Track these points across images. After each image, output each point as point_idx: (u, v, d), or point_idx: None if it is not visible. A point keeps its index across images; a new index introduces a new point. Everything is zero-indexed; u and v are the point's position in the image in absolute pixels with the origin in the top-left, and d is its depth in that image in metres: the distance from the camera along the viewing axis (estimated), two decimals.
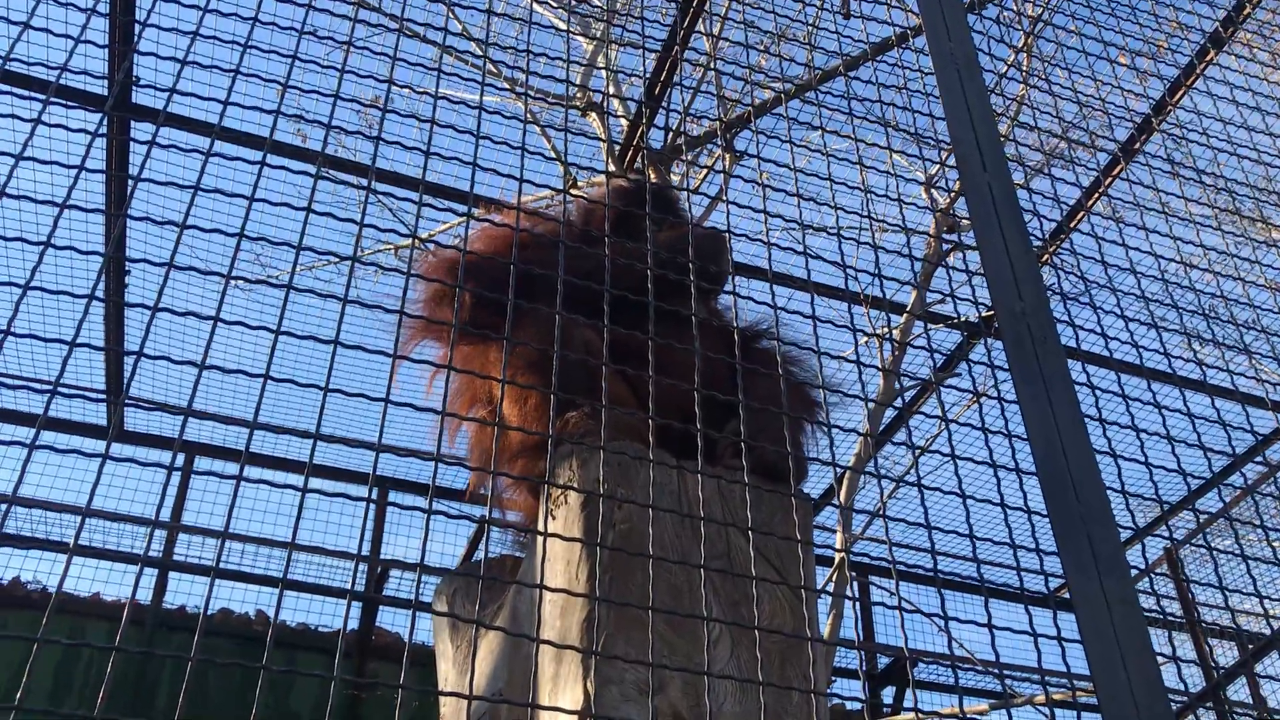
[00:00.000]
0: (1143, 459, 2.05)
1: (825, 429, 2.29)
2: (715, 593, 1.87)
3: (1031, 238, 2.29)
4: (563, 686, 1.77)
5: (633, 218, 2.26)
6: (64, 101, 1.94)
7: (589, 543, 1.75)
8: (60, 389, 1.47)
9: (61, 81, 1.62)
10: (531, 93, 5.23)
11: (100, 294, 5.71)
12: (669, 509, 1.88)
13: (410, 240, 1.61)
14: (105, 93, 5.09)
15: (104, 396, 6.31)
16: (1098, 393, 2.12)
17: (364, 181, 5.83)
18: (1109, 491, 1.91)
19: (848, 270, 2.14)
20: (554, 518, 1.97)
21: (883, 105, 2.65)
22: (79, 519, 1.32)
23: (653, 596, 1.83)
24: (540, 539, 1.87)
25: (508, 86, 5.05)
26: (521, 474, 2.13)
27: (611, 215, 2.04)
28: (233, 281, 1.54)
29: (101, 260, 1.53)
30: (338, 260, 1.59)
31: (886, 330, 5.12)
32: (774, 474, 2.02)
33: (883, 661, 8.10)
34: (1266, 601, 2.25)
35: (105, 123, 5.13)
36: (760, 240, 2.09)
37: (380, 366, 6.02)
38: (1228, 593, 2.19)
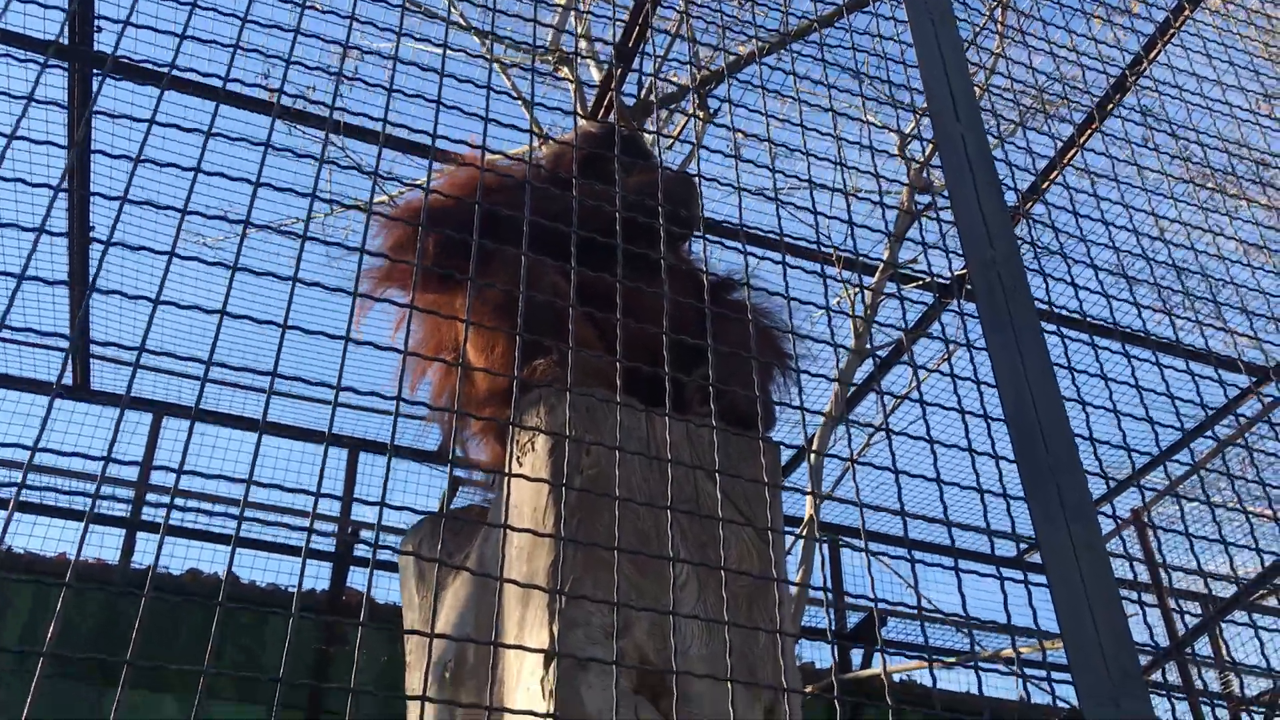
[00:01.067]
0: (1111, 406, 2.05)
1: (795, 376, 2.28)
2: (683, 536, 1.86)
3: (1004, 185, 2.28)
4: (529, 630, 1.76)
5: (601, 161, 2.22)
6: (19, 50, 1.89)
7: (555, 484, 1.73)
8: (20, 339, 1.43)
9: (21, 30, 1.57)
10: (500, 43, 5.16)
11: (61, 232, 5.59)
12: (638, 452, 1.86)
13: (372, 182, 1.57)
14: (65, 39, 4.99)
15: (65, 347, 6.24)
16: (1067, 342, 2.11)
17: (325, 131, 5.76)
18: (1078, 439, 1.91)
19: (818, 215, 2.12)
20: (520, 464, 1.95)
21: (856, 56, 2.63)
22: (27, 475, 1.29)
23: (620, 540, 1.82)
24: (506, 483, 1.85)
25: (476, 36, 4.98)
26: (487, 422, 2.11)
27: (580, 158, 2.00)
28: (189, 219, 1.50)
29: (52, 194, 1.48)
30: (299, 194, 1.55)
31: (859, 288, 5.11)
32: (742, 420, 2.01)
33: (852, 621, 8.16)
34: (1234, 560, 2.26)
35: (68, 68, 5.03)
36: (731, 186, 2.06)
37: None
38: (1196, 547, 2.20)
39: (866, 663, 7.70)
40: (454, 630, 2.02)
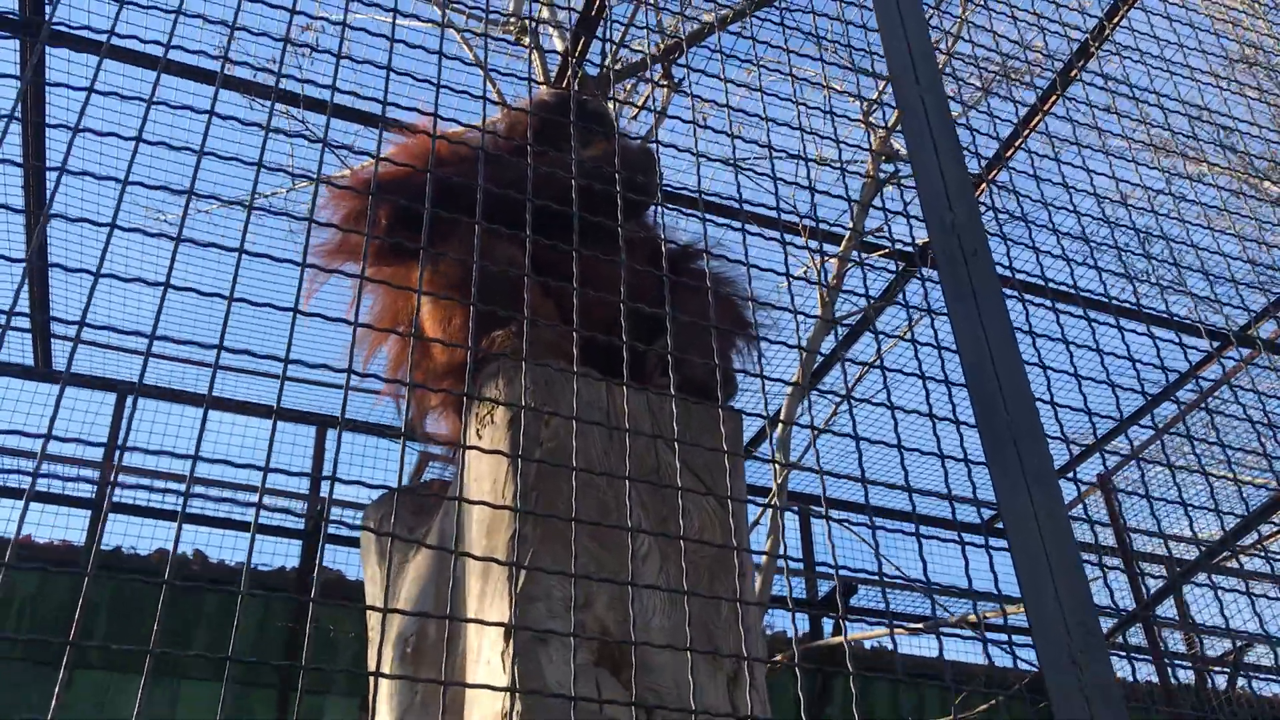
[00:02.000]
0: (1071, 369, 2.05)
1: (757, 346, 2.26)
2: (644, 509, 1.85)
3: (969, 152, 2.27)
4: (489, 604, 1.74)
5: (559, 130, 2.19)
6: None
7: (513, 456, 1.71)
8: None
9: None
10: (457, 11, 5.09)
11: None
12: (598, 422, 1.84)
13: (320, 151, 1.53)
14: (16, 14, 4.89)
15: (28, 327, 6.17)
16: (1030, 307, 2.11)
17: (271, 100, 5.67)
18: (1040, 405, 1.90)
19: (778, 182, 2.10)
20: (480, 437, 1.93)
21: (817, 23, 2.60)
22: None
23: (580, 513, 1.80)
24: (464, 457, 1.83)
25: (434, 5, 4.90)
26: (446, 396, 2.08)
27: (536, 126, 1.97)
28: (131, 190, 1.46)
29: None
30: (244, 163, 1.52)
31: (823, 257, 5.10)
32: (702, 390, 1.99)
33: (824, 590, 8.21)
34: (1194, 523, 2.26)
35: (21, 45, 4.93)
36: (694, 156, 2.03)
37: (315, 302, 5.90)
38: (1160, 511, 2.21)
39: (838, 631, 7.75)
40: (415, 603, 2.00)
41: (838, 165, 2.22)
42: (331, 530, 7.23)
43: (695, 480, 1.92)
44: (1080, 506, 7.75)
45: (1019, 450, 1.83)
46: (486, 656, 1.67)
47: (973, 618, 5.49)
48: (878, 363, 1.91)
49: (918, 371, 1.88)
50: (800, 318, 1.90)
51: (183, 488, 6.68)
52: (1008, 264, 2.17)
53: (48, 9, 4.92)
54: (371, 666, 2.06)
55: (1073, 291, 2.30)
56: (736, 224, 2.02)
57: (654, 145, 2.33)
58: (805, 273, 5.51)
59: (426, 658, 1.90)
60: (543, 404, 1.89)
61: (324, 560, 7.38)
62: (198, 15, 1.66)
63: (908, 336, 2.09)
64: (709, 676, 1.71)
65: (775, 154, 2.37)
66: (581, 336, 1.78)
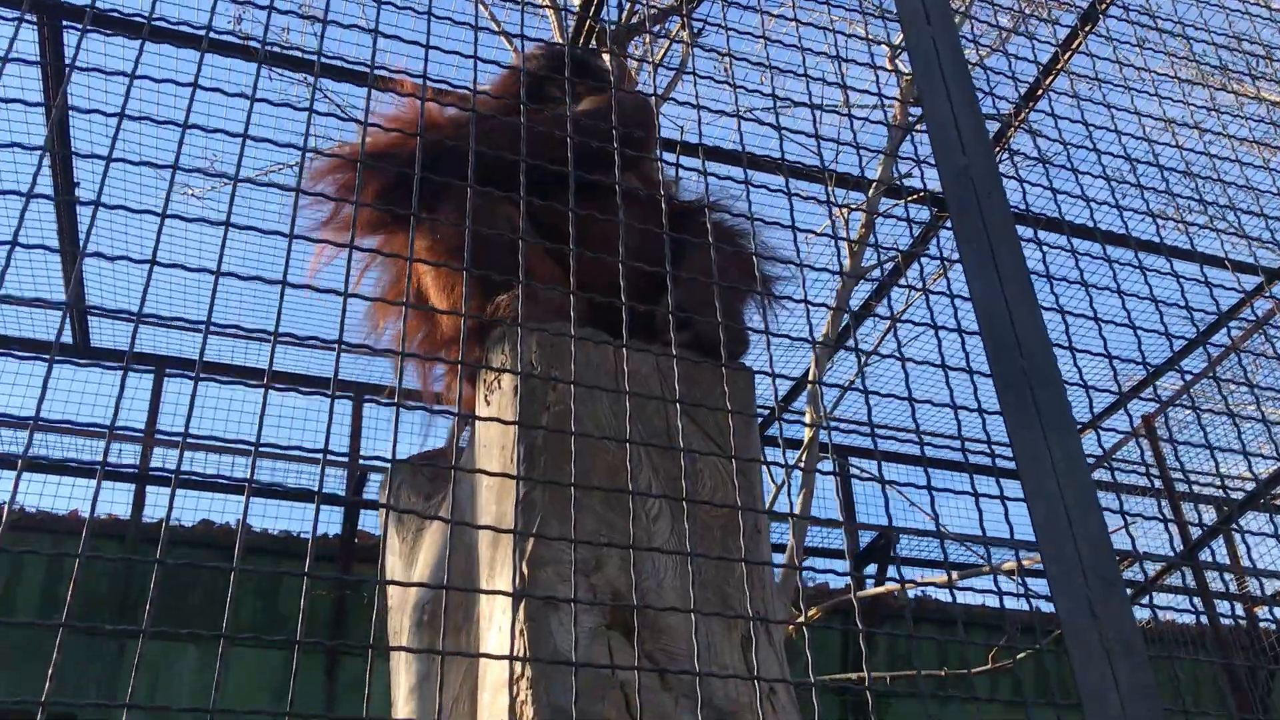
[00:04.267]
0: (1092, 314, 1.99)
1: (771, 301, 2.23)
2: (654, 470, 1.83)
3: (994, 96, 2.21)
4: (499, 570, 1.74)
5: (549, 85, 2.15)
6: None
7: (516, 423, 1.69)
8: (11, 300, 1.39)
9: None
10: None
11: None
12: (604, 387, 1.82)
13: (306, 120, 1.51)
14: None
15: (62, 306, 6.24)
16: (1046, 249, 2.06)
17: (307, 75, 5.66)
18: (1056, 349, 1.85)
19: (800, 134, 2.06)
20: (488, 403, 1.91)
21: None
22: (33, 434, 1.26)
23: (591, 475, 1.79)
24: (477, 426, 1.81)
25: None
26: (458, 356, 2.07)
27: (528, 84, 1.93)
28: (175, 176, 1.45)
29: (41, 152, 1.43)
30: (276, 144, 1.50)
31: (849, 208, 5.02)
32: (712, 347, 1.96)
33: (865, 540, 8.18)
34: (1249, 458, 2.21)
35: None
36: (716, 110, 1.99)
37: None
38: (1205, 452, 2.16)
39: (880, 581, 7.74)
40: (432, 570, 2.00)
41: (863, 117, 2.17)
42: (372, 496, 7.30)
43: (707, 439, 1.90)
44: (1130, 449, 7.64)
45: (1034, 394, 1.79)
46: (499, 622, 1.67)
47: (1011, 565, 5.45)
48: (898, 318, 1.87)
49: (929, 322, 1.84)
50: (815, 266, 1.87)
51: (219, 459, 6.76)
52: (1024, 206, 2.11)
53: None
54: (392, 632, 2.07)
55: (1091, 227, 2.24)
56: (765, 177, 1.98)
57: (666, 99, 2.29)
58: (832, 222, 5.43)
59: (443, 623, 1.89)
60: (549, 367, 1.86)
61: (365, 525, 7.47)
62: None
63: (925, 287, 2.04)
64: (723, 636, 1.69)
65: (800, 103, 2.32)
66: (587, 296, 1.75)
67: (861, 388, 1.67)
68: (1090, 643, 1.57)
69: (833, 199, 5.06)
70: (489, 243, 1.87)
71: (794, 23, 2.29)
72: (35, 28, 5.05)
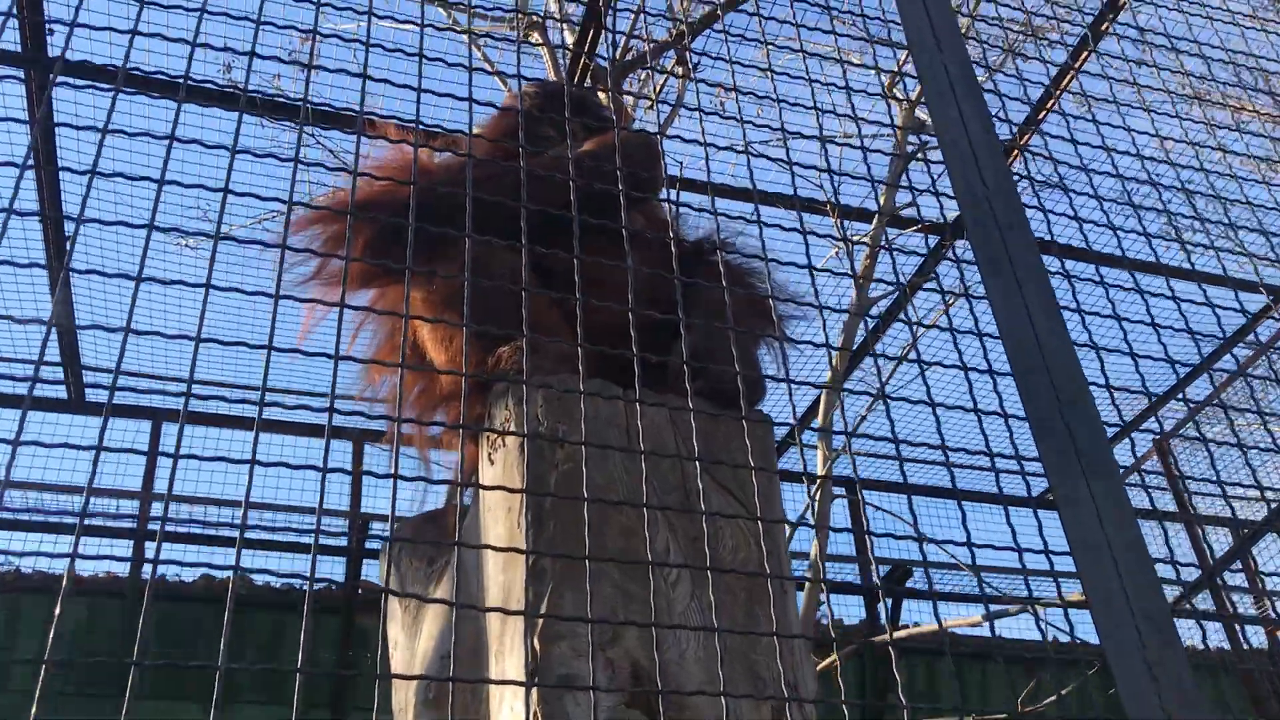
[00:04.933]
0: (1126, 350, 1.89)
1: (783, 345, 2.12)
2: (671, 529, 1.72)
3: (997, 119, 2.11)
4: (510, 643, 1.62)
5: (544, 125, 2.05)
6: None
7: (523, 490, 1.58)
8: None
9: None
10: (471, 13, 4.97)
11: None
12: (618, 447, 1.71)
13: (292, 171, 1.43)
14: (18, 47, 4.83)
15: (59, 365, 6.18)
16: (1074, 280, 1.95)
17: (294, 121, 5.58)
18: (1091, 387, 1.75)
19: (828, 166, 1.97)
20: (492, 462, 1.81)
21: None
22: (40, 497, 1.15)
23: (605, 538, 1.68)
24: (482, 487, 1.70)
25: (441, 8, 4.79)
26: (457, 419, 1.96)
27: (521, 125, 1.83)
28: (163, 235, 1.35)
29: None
30: (260, 198, 1.41)
31: (850, 242, 4.93)
32: (727, 397, 1.85)
33: (879, 572, 8.02)
34: (1261, 483, 2.10)
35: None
36: (714, 145, 1.90)
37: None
38: (1222, 473, 2.05)
39: (895, 615, 7.58)
40: (436, 642, 1.88)
41: (868, 142, 2.08)
42: (375, 546, 7.16)
43: (725, 494, 1.79)
44: (1137, 476, 7.52)
45: (1073, 435, 1.68)
46: (509, 702, 1.55)
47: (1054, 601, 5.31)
48: (914, 356, 1.77)
49: (960, 363, 1.74)
50: (830, 307, 1.76)
51: (219, 513, 6.63)
52: (1047, 234, 2.02)
53: (49, 42, 4.85)
54: (397, 708, 1.95)
55: (1118, 255, 2.14)
56: (782, 216, 1.88)
57: (659, 136, 2.19)
58: (837, 255, 5.34)
59: (448, 701, 1.78)
60: (557, 423, 1.76)
61: (370, 575, 7.32)
62: (217, 47, 1.55)
63: (942, 323, 1.94)
64: (752, 708, 1.57)
65: (807, 135, 2.23)
66: (592, 347, 1.65)
67: (892, 436, 1.56)
68: (1144, 691, 1.46)
69: (844, 233, 4.97)
70: (489, 293, 1.77)
71: (800, 54, 2.20)
72: (23, 83, 4.99)
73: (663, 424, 1.83)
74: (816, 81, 2.15)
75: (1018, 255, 1.87)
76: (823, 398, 5.13)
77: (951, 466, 1.68)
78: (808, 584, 4.35)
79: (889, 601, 7.86)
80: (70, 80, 1.69)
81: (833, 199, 4.35)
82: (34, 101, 4.99)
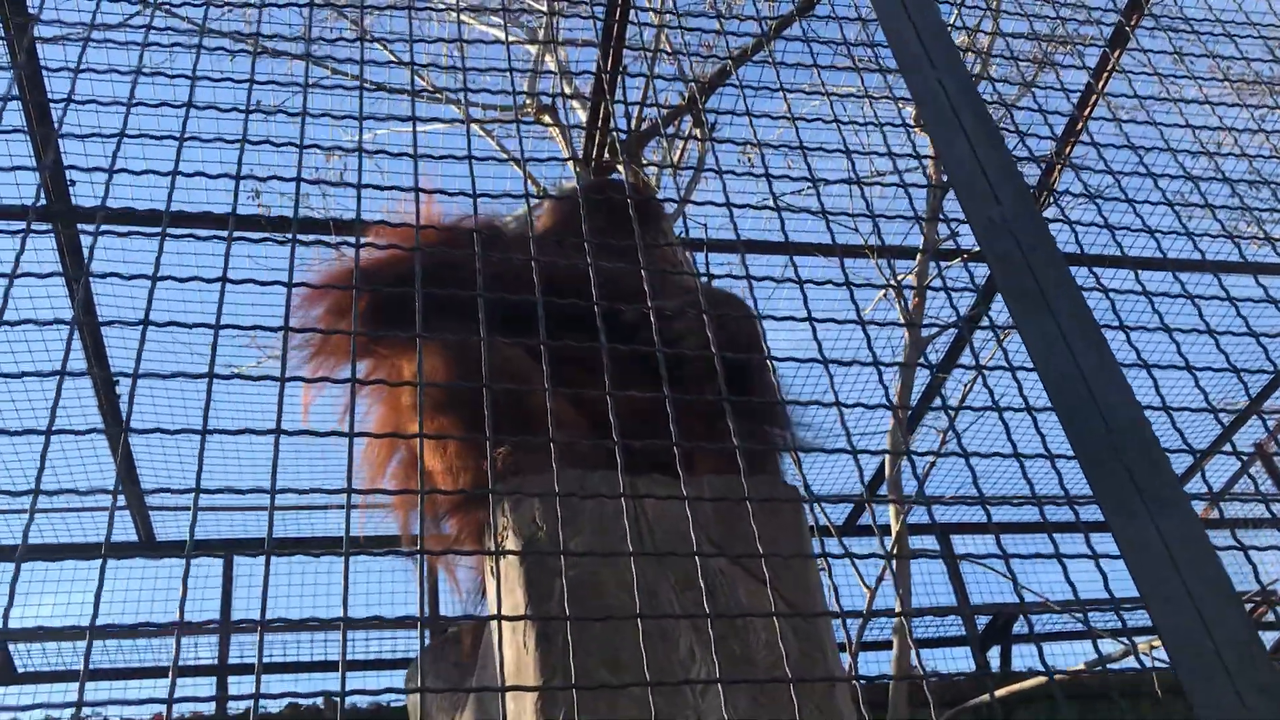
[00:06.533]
0: (1183, 363, 1.69)
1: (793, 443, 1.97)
2: (694, 627, 1.55)
3: (1031, 134, 1.95)
4: None
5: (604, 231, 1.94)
6: None
7: (525, 616, 1.43)
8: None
9: None
10: (475, 106, 4.94)
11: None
12: (622, 552, 1.55)
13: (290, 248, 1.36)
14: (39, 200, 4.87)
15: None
16: (1113, 296, 1.77)
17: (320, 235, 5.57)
18: (1148, 412, 1.55)
19: (870, 217, 1.83)
20: (494, 574, 1.65)
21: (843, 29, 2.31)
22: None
23: (619, 644, 1.52)
24: (490, 602, 1.56)
25: (451, 104, 4.75)
26: (459, 525, 1.83)
27: (577, 228, 1.70)
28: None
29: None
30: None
31: (898, 282, 4.74)
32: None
33: (982, 622, 7.67)
34: None
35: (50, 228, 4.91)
36: (753, 207, 1.76)
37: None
38: None
39: (1005, 665, 7.22)
40: None
41: (897, 178, 1.93)
42: None
43: (751, 579, 1.61)
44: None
45: (1131, 471, 1.48)
46: None
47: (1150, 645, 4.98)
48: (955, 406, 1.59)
49: (991, 404, 1.55)
50: (883, 362, 1.60)
51: (297, 638, 6.55)
52: (1078, 249, 1.84)
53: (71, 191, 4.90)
54: None
55: (1160, 257, 1.95)
56: (791, 264, 1.74)
57: (688, 201, 2.05)
58: (885, 297, 5.15)
59: None
60: (558, 526, 1.60)
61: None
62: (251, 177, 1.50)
63: (979, 365, 1.76)
64: None
65: (834, 180, 2.10)
66: (599, 439, 1.51)
67: (975, 490, 1.38)
68: None
69: (893, 272, 4.79)
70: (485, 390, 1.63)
71: (824, 95, 2.07)
72: (52, 235, 5.02)
73: (678, 512, 1.67)
74: (840, 121, 2.02)
75: (1046, 279, 1.69)
76: (887, 458, 4.91)
77: (1040, 503, 1.51)
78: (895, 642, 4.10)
79: (998, 648, 7.51)
80: (113, 229, 1.65)
81: (870, 240, 4.19)
82: (64, 253, 5.03)
